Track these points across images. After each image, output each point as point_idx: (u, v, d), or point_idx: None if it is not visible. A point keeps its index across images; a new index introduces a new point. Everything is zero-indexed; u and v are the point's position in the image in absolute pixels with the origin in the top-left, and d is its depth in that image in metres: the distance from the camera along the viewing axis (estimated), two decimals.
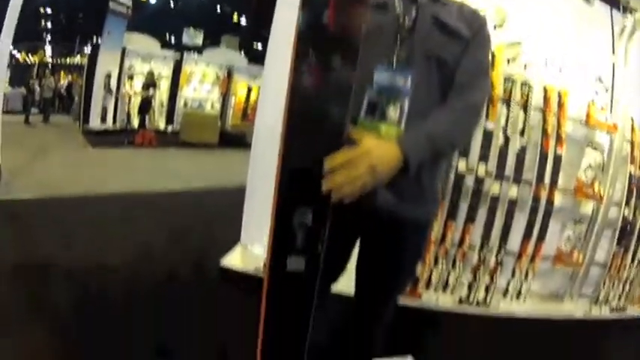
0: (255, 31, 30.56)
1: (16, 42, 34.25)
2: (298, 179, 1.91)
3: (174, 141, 15.41)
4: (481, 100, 2.10)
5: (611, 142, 4.53)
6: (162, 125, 18.12)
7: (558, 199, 4.35)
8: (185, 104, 19.15)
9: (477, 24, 2.12)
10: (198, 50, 22.54)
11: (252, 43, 31.85)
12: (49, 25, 43.47)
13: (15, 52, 42.65)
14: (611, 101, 4.59)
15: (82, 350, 3.32)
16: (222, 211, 6.20)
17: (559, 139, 4.31)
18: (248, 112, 18.39)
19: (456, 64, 2.04)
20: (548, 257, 4.43)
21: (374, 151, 1.72)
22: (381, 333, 2.56)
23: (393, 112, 1.91)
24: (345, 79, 1.83)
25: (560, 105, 4.34)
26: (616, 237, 4.53)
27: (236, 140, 15.02)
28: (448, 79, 2.03)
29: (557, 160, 4.29)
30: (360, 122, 1.91)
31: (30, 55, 43.60)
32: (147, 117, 15.54)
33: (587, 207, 4.53)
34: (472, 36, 2.07)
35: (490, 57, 2.25)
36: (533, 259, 4.32)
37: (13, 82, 23.54)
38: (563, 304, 4.54)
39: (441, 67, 2.02)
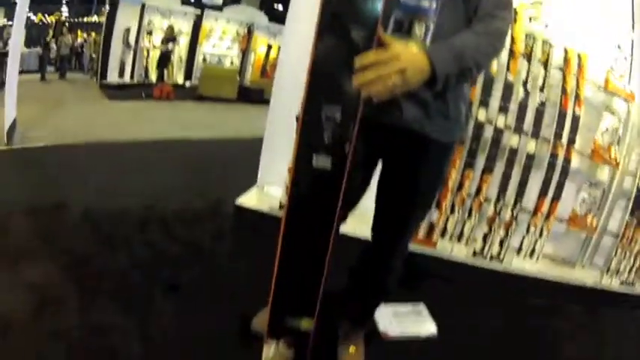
0: None
1: (33, 4, 34.51)
2: (328, 76, 1.94)
3: (192, 95, 15.32)
4: (505, 26, 2.09)
5: (628, 110, 4.48)
6: (180, 80, 18.03)
7: (575, 161, 4.34)
8: (204, 60, 19.05)
9: None
10: (219, 8, 22.38)
11: (273, 4, 31.55)
12: None
13: (31, 14, 42.93)
14: (630, 70, 4.53)
15: (95, 284, 3.32)
16: (239, 159, 6.15)
17: (577, 100, 4.28)
18: (267, 69, 18.28)
19: None
20: (563, 219, 4.42)
21: (404, 55, 1.73)
22: (396, 269, 2.60)
23: (418, 30, 1.89)
24: None
25: (580, 67, 4.31)
26: (629, 207, 4.49)
27: (254, 96, 14.94)
28: (471, 10, 2.05)
29: (576, 120, 4.26)
30: (387, 37, 1.87)
31: (46, 16, 43.71)
32: (165, 71, 15.45)
33: (603, 173, 4.51)
34: None
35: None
36: (548, 217, 4.31)
37: (29, 42, 23.57)
38: (575, 270, 4.52)
39: None
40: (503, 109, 4.14)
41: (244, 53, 18.68)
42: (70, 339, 2.68)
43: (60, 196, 4.88)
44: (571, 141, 4.25)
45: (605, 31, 4.40)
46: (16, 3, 8.43)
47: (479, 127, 4.18)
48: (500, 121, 4.16)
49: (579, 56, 4.31)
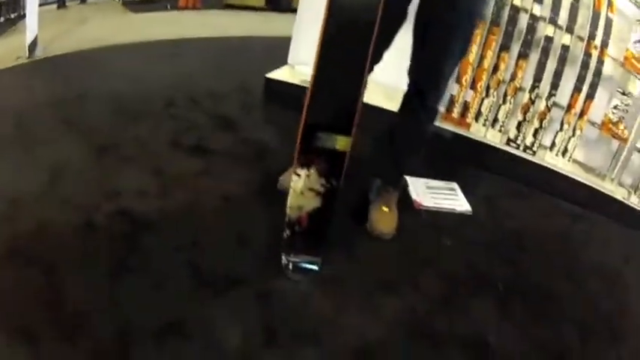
0: None
1: None
2: None
3: (218, 3, 15.07)
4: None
5: None
6: None
7: (608, 66, 4.25)
8: None
9: None
10: None
11: None
12: None
13: None
14: None
15: (117, 153, 3.35)
16: (269, 51, 5.97)
17: (610, 4, 4.19)
18: None
19: None
20: (595, 123, 4.35)
21: None
22: (433, 113, 2.71)
23: None
24: None
25: None
26: None
27: (284, 4, 14.65)
28: None
29: (609, 22, 4.18)
30: None
31: None
32: None
33: (635, 85, 4.34)
34: None
35: None
36: (581, 115, 4.26)
37: None
38: (604, 182, 4.43)
39: None
40: None
41: None
42: (88, 206, 2.71)
43: (84, 88, 4.86)
44: (604, 44, 4.17)
45: None
46: None
47: (515, 10, 4.12)
48: (536, 10, 4.09)
49: None
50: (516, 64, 4.19)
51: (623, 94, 4.29)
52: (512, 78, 4.20)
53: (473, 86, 4.22)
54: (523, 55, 4.17)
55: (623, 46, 4.25)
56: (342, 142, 2.21)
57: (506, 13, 4.12)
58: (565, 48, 4.15)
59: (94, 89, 4.74)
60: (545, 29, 4.13)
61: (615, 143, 4.43)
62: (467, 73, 4.19)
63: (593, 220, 3.94)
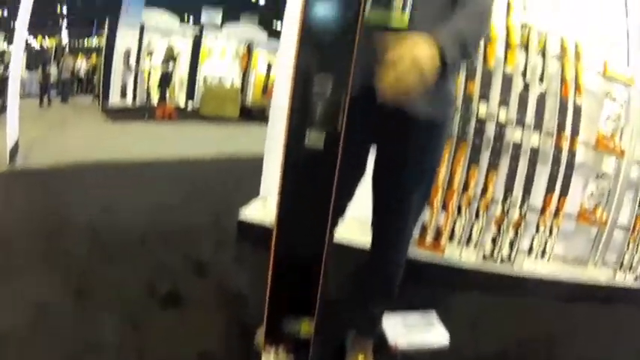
0: (274, 9, 30.50)
1: (32, 27, 34.79)
2: (318, 47, 1.96)
3: (194, 115, 15.41)
4: (487, 6, 2.11)
5: (629, 96, 4.43)
6: (182, 101, 18.18)
7: (580, 153, 4.29)
8: (205, 80, 19.24)
9: None
10: (218, 26, 22.55)
11: (271, 22, 31.77)
12: (64, 10, 43.54)
13: (31, 37, 43.24)
14: (628, 54, 4.52)
15: (93, 297, 3.30)
16: (242, 176, 6.14)
17: (577, 88, 4.24)
18: (268, 88, 18.38)
19: None
20: (572, 215, 4.37)
21: (414, 47, 1.78)
22: (399, 265, 2.57)
23: (397, 2, 1.96)
24: None
25: (577, 55, 4.29)
26: (638, 198, 4.47)
27: (257, 115, 14.98)
28: None
29: (577, 110, 4.23)
30: (369, 14, 1.95)
31: (46, 38, 44.02)
32: (167, 91, 15.55)
33: (609, 164, 4.45)
34: None
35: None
36: (556, 214, 4.26)
37: (30, 66, 23.73)
38: (587, 269, 4.48)
39: None
40: (504, 102, 4.11)
41: (245, 72, 18.76)
42: (67, 354, 2.66)
43: (62, 213, 4.92)
44: (574, 132, 4.22)
45: (601, 16, 4.42)
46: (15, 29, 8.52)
47: (481, 122, 4.15)
48: (502, 115, 4.13)
49: (575, 44, 4.31)
50: (486, 177, 4.19)
51: (598, 177, 4.38)
52: (484, 192, 4.21)
53: (444, 207, 4.21)
54: (493, 166, 4.18)
55: (593, 128, 4.31)
56: (305, 327, 2.25)
57: (472, 127, 4.15)
58: (534, 151, 4.17)
59: (72, 216, 4.77)
60: (513, 134, 4.16)
61: (594, 229, 4.48)
62: (437, 195, 4.20)
63: (579, 314, 3.94)
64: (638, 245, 4.41)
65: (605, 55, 4.38)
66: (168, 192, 6.17)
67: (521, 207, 4.20)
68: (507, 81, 4.13)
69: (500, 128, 4.14)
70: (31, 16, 8.17)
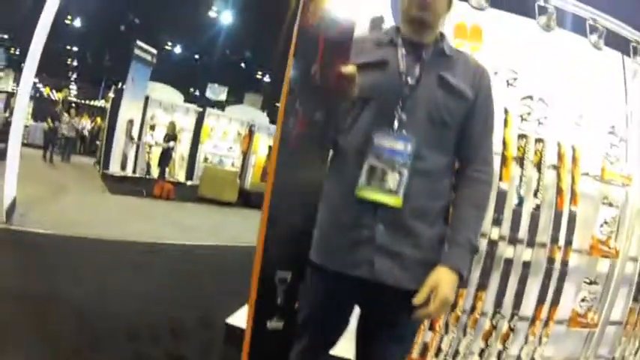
0: (278, 90, 30.91)
1: (41, 75, 35.05)
2: (282, 243, 2.18)
3: (192, 195, 15.45)
4: (491, 179, 2.24)
5: (626, 195, 4.42)
6: (182, 178, 18.31)
7: (573, 260, 4.23)
8: (205, 159, 19.60)
9: (481, 80, 2.24)
10: (221, 107, 22.92)
11: (274, 105, 32.26)
12: (74, 63, 43.86)
13: (40, 85, 43.56)
14: (626, 151, 4.48)
15: None
16: (234, 269, 6.21)
17: (573, 196, 4.20)
18: (267, 172, 18.46)
19: (459, 123, 2.14)
20: (563, 320, 4.28)
21: (444, 290, 1.99)
22: None
23: (392, 181, 2.00)
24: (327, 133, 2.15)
25: (574, 160, 4.24)
26: (632, 293, 4.43)
27: (255, 200, 15.04)
28: (450, 137, 2.15)
29: (572, 217, 4.17)
30: (361, 187, 2.02)
31: (54, 91, 44.31)
32: (166, 169, 15.71)
33: (603, 265, 4.40)
34: (477, 94, 2.19)
35: (494, 114, 2.35)
36: (547, 323, 4.18)
37: (36, 116, 23.93)
38: None
39: (444, 128, 2.11)
40: (497, 221, 4.03)
41: (245, 155, 18.95)
42: None
43: (52, 289, 5.00)
44: (568, 242, 4.14)
45: (598, 115, 4.36)
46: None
47: None
48: (495, 233, 4.03)
49: (573, 148, 4.24)
50: (475, 296, 4.04)
51: (591, 283, 4.26)
52: (472, 310, 4.05)
53: (431, 327, 4.03)
54: (482, 286, 4.03)
55: (588, 233, 4.23)
56: None
57: None
58: (526, 265, 4.07)
59: (62, 293, 4.86)
60: (505, 251, 4.05)
61: (585, 331, 4.37)
62: None
63: None
64: (630, 339, 4.39)
65: (603, 155, 4.34)
66: (161, 279, 6.23)
67: (510, 320, 4.12)
68: (501, 197, 4.07)
69: (492, 246, 4.05)
70: (40, 63, 8.30)
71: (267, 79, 38.97)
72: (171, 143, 15.85)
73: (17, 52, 39.43)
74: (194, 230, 10.50)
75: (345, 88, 2.04)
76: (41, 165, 17.19)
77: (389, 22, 3.96)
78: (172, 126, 16.26)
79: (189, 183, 18.20)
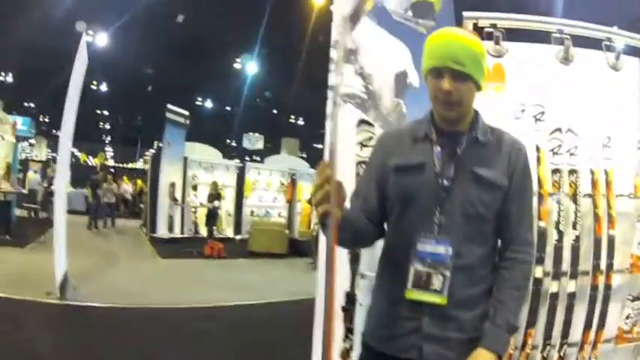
0: (314, 132, 31.02)
1: (75, 140, 35.63)
2: None
3: (242, 250, 15.41)
4: (532, 260, 2.41)
5: None
6: (230, 234, 18.33)
7: (616, 280, 4.23)
8: (252, 213, 19.68)
9: (517, 159, 2.33)
10: (260, 159, 23.11)
11: (313, 144, 32.42)
12: (107, 126, 44.58)
13: (75, 150, 44.38)
14: None
15: None
16: (294, 326, 6.14)
17: (610, 220, 4.19)
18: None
19: (496, 210, 2.26)
20: (610, 339, 4.28)
21: None
22: None
23: (437, 282, 2.17)
24: None
25: (608, 184, 4.24)
26: None
27: (304, 248, 14.98)
28: (488, 227, 2.27)
29: (611, 241, 4.17)
30: (409, 290, 2.19)
31: (91, 157, 45.07)
32: (214, 228, 15.72)
33: None
34: (512, 176, 2.28)
35: (532, 186, 2.47)
36: (594, 345, 4.18)
37: (75, 183, 24.34)
38: None
39: (481, 221, 2.23)
40: (539, 260, 4.03)
41: (290, 204, 18.93)
42: None
43: None
44: (609, 266, 4.16)
45: (625, 134, 4.33)
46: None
47: None
48: (539, 272, 4.05)
49: (606, 172, 4.25)
50: (525, 334, 4.07)
51: (634, 299, 4.28)
52: (523, 346, 4.10)
53: None
54: (531, 323, 4.06)
55: (627, 253, 4.24)
56: None
57: None
58: (571, 295, 4.11)
59: None
60: (550, 286, 4.09)
61: (632, 344, 4.37)
62: None
63: None
64: None
65: (635, 173, 4.34)
66: (221, 345, 6.33)
67: (559, 350, 4.15)
68: (542, 236, 4.07)
69: (537, 284, 4.07)
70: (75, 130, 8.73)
71: (300, 121, 39.26)
72: (216, 203, 15.96)
73: (47, 120, 40.22)
74: (246, 288, 10.44)
75: None
76: (87, 234, 17.32)
77: (412, 77, 4.12)
78: (215, 185, 16.50)
79: (238, 237, 18.23)
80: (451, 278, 2.15)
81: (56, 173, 12.52)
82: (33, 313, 7.02)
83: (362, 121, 4.33)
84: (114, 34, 19.70)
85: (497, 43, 4.27)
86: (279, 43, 18.59)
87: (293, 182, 19.23)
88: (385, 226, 2.42)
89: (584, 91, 4.28)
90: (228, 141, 40.49)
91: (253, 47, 21.66)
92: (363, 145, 4.29)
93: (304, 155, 34.43)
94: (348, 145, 4.27)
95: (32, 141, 40.86)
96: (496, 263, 2.31)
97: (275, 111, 33.35)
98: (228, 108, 33.78)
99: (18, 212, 17.50)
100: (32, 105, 36.08)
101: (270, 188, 20.82)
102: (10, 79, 28.20)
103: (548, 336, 4.09)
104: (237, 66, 24.67)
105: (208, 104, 33.35)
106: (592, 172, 4.20)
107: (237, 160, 21.73)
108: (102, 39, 19.79)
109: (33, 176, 23.07)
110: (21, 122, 31.18)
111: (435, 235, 2.18)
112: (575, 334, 4.14)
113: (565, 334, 4.11)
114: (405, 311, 2.20)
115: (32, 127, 34.35)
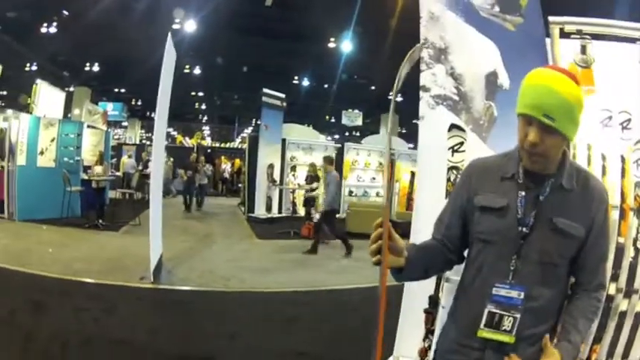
0: (413, 108, 30.70)
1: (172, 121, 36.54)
2: None
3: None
4: (603, 299, 2.47)
5: None
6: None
7: None
8: (350, 193, 19.87)
9: (599, 207, 2.34)
10: (359, 135, 22.97)
11: (412, 120, 32.15)
12: (203, 106, 45.25)
13: (171, 130, 45.35)
14: None
15: None
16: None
17: None
18: (412, 199, 18.08)
19: (571, 257, 2.32)
20: None
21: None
22: None
23: (507, 323, 2.25)
24: None
25: None
26: None
27: (403, 230, 14.64)
28: (562, 272, 2.34)
29: None
30: (482, 330, 2.28)
31: (187, 138, 45.99)
32: (312, 209, 15.59)
33: None
34: (592, 225, 2.31)
35: (609, 234, 2.50)
36: None
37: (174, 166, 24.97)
38: None
39: (555, 267, 2.30)
40: (614, 276, 4.00)
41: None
42: None
43: (207, 350, 5.43)
44: None
45: None
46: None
47: None
48: (612, 289, 4.00)
49: None
50: (590, 349, 4.05)
51: None
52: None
53: None
54: (597, 339, 4.04)
55: None
56: None
57: None
58: (638, 315, 4.05)
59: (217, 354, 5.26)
60: (621, 304, 4.04)
61: None
62: None
63: None
64: None
65: None
66: (312, 331, 6.41)
67: None
68: (619, 252, 4.03)
69: (609, 303, 4.01)
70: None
71: (399, 98, 38.90)
72: (315, 184, 15.76)
73: (139, 103, 41.15)
74: (343, 272, 10.35)
75: None
76: (182, 216, 17.78)
77: (502, 77, 4.17)
78: (313, 167, 16.33)
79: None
80: (520, 318, 2.24)
81: (152, 156, 12.66)
82: (125, 298, 7.24)
83: (453, 126, 4.32)
84: (203, 20, 19.74)
85: (583, 52, 4.25)
86: (374, 21, 18.19)
87: (392, 163, 18.91)
88: (465, 253, 2.53)
89: None
90: (327, 117, 40.53)
91: (347, 26, 21.38)
92: (454, 150, 4.31)
93: (404, 131, 34.27)
94: (439, 149, 4.35)
95: (125, 123, 42.36)
96: (567, 298, 2.40)
97: (373, 87, 32.95)
98: (325, 86, 33.62)
99: (112, 195, 18.00)
100: (123, 90, 36.87)
101: (369, 168, 20.84)
102: (96, 68, 28.78)
103: (610, 353, 4.08)
104: (331, 45, 24.44)
105: (305, 83, 33.28)
106: None
107: (337, 137, 21.61)
108: (190, 25, 19.90)
109: (127, 160, 23.61)
110: (111, 107, 32.33)
111: (510, 280, 2.27)
112: (637, 353, 4.10)
113: (627, 353, 4.07)
114: (474, 343, 2.32)
115: (124, 111, 35.50)
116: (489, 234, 2.35)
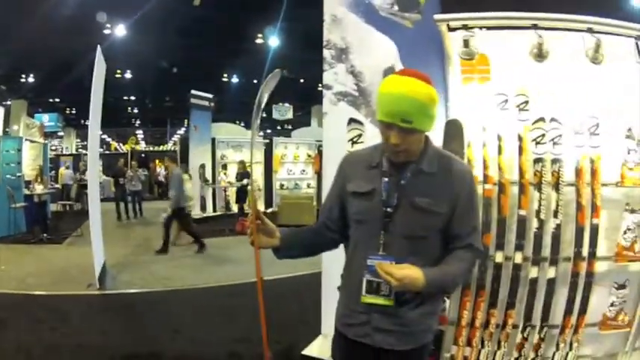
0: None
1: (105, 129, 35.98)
2: None
3: (273, 222, 15.68)
4: (480, 252, 2.84)
5: None
6: (261, 208, 18.71)
7: (602, 267, 4.39)
8: (281, 186, 20.16)
9: (462, 185, 2.67)
10: (291, 128, 23.17)
11: None
12: (135, 110, 44.75)
13: (106, 137, 44.64)
14: None
15: None
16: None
17: (595, 209, 4.35)
18: None
19: (439, 230, 2.66)
20: (595, 324, 4.46)
21: (408, 275, 2.45)
22: None
23: (384, 288, 2.61)
24: None
25: (594, 172, 4.37)
26: None
27: None
28: (430, 244, 2.68)
29: (594, 230, 4.36)
30: (363, 297, 2.67)
31: (121, 144, 45.29)
32: (245, 205, 16.16)
33: (631, 269, 4.47)
34: (457, 201, 2.64)
35: (477, 205, 2.85)
36: (576, 330, 4.42)
37: (107, 171, 24.81)
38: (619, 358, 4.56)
39: (422, 240, 2.65)
40: (519, 246, 4.31)
41: (319, 175, 19.29)
42: None
43: (154, 346, 5.78)
44: (592, 254, 4.33)
45: (613, 123, 4.42)
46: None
47: (497, 268, 4.37)
48: (518, 257, 4.32)
49: (591, 160, 4.38)
50: (505, 314, 4.38)
51: (619, 287, 4.45)
52: (504, 326, 4.40)
53: (469, 343, 4.45)
54: (510, 304, 4.36)
55: (615, 237, 4.40)
56: None
57: (489, 274, 4.34)
58: (551, 281, 4.31)
59: (162, 349, 5.59)
60: (530, 272, 4.31)
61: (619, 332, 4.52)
62: (462, 335, 4.42)
63: None
64: None
65: (622, 162, 4.41)
66: (245, 319, 6.48)
67: (540, 331, 4.42)
68: (522, 224, 4.34)
69: (517, 271, 4.36)
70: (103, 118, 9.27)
71: None
72: (245, 181, 16.33)
73: (73, 112, 40.70)
74: (276, 264, 10.60)
75: None
76: (121, 224, 18.04)
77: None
78: (242, 164, 16.87)
79: (269, 211, 18.53)
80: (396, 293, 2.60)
81: (87, 165, 12.81)
82: (76, 306, 7.64)
83: (352, 120, 4.73)
84: (132, 24, 19.92)
85: (466, 45, 4.48)
86: (299, 15, 18.51)
87: (320, 153, 19.47)
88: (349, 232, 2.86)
89: (565, 82, 4.43)
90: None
91: (273, 22, 21.69)
92: (354, 142, 4.72)
93: None
94: (340, 141, 4.77)
95: (61, 133, 41.69)
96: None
97: (302, 80, 33.06)
98: (254, 81, 33.74)
99: (53, 207, 18.16)
100: (57, 100, 36.52)
101: (298, 160, 21.28)
102: (31, 79, 28.65)
103: (528, 318, 4.38)
104: (258, 41, 24.71)
105: (234, 80, 33.37)
106: (577, 162, 4.37)
107: (269, 132, 21.68)
108: (120, 30, 20.10)
109: (65, 172, 23.36)
110: (47, 119, 31.85)
111: (380, 252, 2.62)
112: (556, 317, 4.40)
113: (545, 317, 4.38)
114: (359, 308, 2.69)
115: (59, 121, 34.98)
116: (360, 214, 2.71)
